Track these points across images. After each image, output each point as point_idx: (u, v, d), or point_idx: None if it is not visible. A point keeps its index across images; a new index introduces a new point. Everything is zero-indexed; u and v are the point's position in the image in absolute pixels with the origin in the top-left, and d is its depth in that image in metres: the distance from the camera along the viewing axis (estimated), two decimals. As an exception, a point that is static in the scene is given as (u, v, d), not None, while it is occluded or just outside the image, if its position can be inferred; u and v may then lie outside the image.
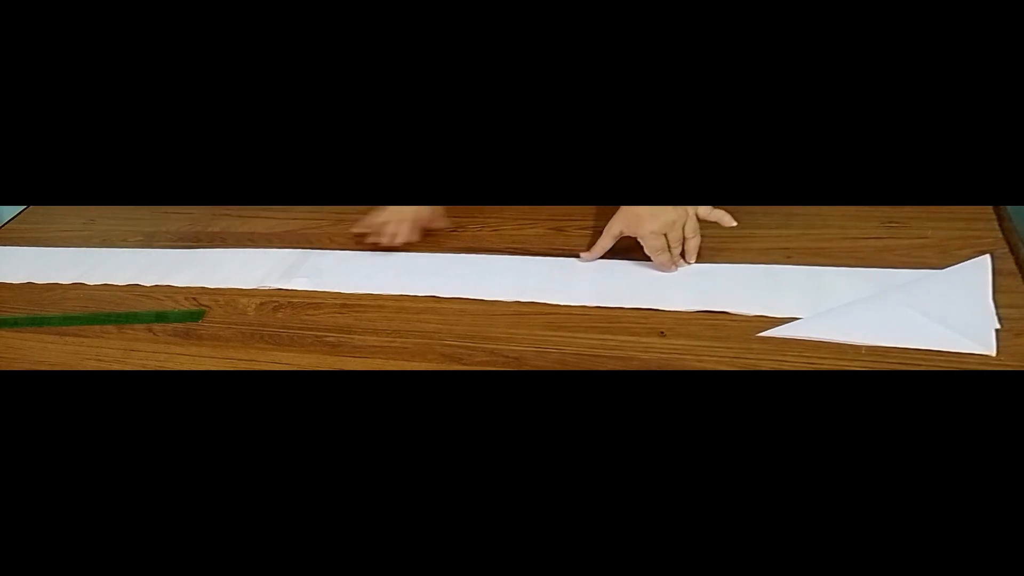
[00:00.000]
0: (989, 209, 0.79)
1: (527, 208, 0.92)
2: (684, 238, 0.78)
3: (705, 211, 0.79)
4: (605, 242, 0.81)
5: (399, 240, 0.88)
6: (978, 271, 0.71)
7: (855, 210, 0.82)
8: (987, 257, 0.72)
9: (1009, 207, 0.79)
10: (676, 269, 0.78)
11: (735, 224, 0.79)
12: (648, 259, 0.79)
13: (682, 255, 0.79)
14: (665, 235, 0.77)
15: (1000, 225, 0.77)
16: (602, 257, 0.83)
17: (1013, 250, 0.74)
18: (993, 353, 0.63)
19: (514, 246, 0.88)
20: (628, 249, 0.83)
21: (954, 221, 0.78)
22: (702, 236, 0.79)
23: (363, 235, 0.91)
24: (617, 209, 0.81)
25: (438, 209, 0.90)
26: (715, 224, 0.84)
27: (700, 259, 0.80)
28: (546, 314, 0.76)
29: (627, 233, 0.79)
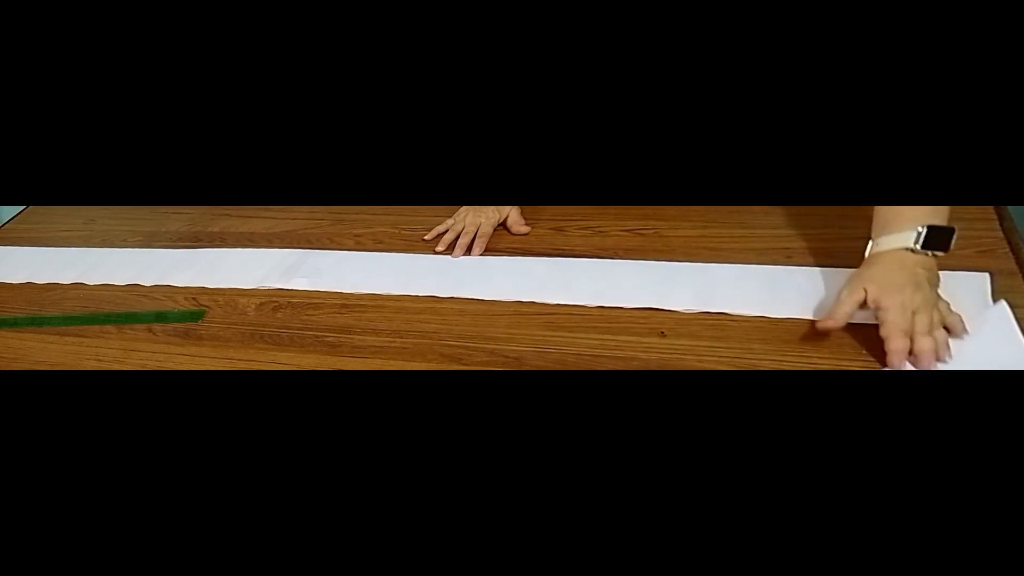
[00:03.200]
0: (990, 209, 0.79)
1: (527, 208, 0.92)
2: (931, 326, 0.62)
3: (945, 308, 0.65)
4: (848, 308, 0.65)
5: (480, 238, 0.88)
6: (977, 281, 0.70)
7: (856, 210, 0.81)
8: (1004, 304, 0.66)
9: (1010, 207, 0.79)
10: (904, 366, 0.61)
11: (968, 333, 0.64)
12: (648, 260, 0.79)
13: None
14: (914, 314, 0.62)
15: (1001, 225, 0.77)
16: (602, 257, 0.83)
17: (1014, 250, 0.74)
18: None
19: (514, 246, 0.88)
20: (630, 250, 0.83)
21: (954, 221, 0.77)
22: (704, 235, 0.79)
23: (435, 240, 0.91)
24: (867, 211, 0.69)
25: (515, 211, 0.90)
26: (715, 223, 0.85)
27: (701, 259, 0.80)
28: (546, 314, 0.76)
29: (871, 302, 0.64)
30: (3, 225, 1.11)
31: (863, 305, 0.65)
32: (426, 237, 0.92)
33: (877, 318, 0.64)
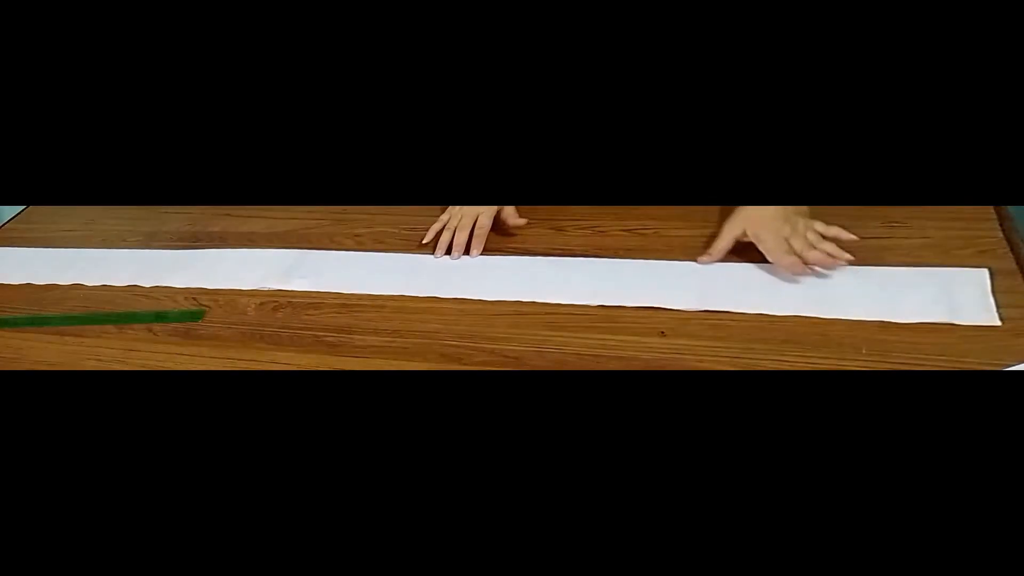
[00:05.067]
0: (990, 209, 0.79)
1: (527, 208, 0.92)
2: (808, 244, 0.74)
3: (822, 227, 0.76)
4: (725, 243, 0.78)
5: (477, 237, 0.87)
6: (976, 277, 0.72)
7: (856, 210, 0.81)
8: (984, 271, 0.72)
9: (1010, 207, 0.79)
10: (805, 273, 0.73)
11: (855, 238, 0.75)
12: (648, 260, 0.79)
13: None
14: (787, 240, 0.74)
15: (1001, 225, 0.77)
16: (602, 257, 0.83)
17: (1014, 250, 0.74)
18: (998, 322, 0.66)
19: (514, 246, 0.87)
20: (630, 249, 0.83)
21: (955, 221, 0.78)
22: (704, 235, 0.79)
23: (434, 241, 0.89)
24: (731, 210, 0.79)
25: (508, 208, 0.89)
26: (715, 223, 0.85)
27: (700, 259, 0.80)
28: (546, 314, 0.76)
29: (748, 236, 0.76)
30: (3, 225, 1.11)
31: (741, 238, 0.76)
32: (423, 241, 0.90)
33: (761, 250, 0.75)
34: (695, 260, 0.79)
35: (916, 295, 0.70)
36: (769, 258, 0.75)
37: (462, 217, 0.88)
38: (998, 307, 0.67)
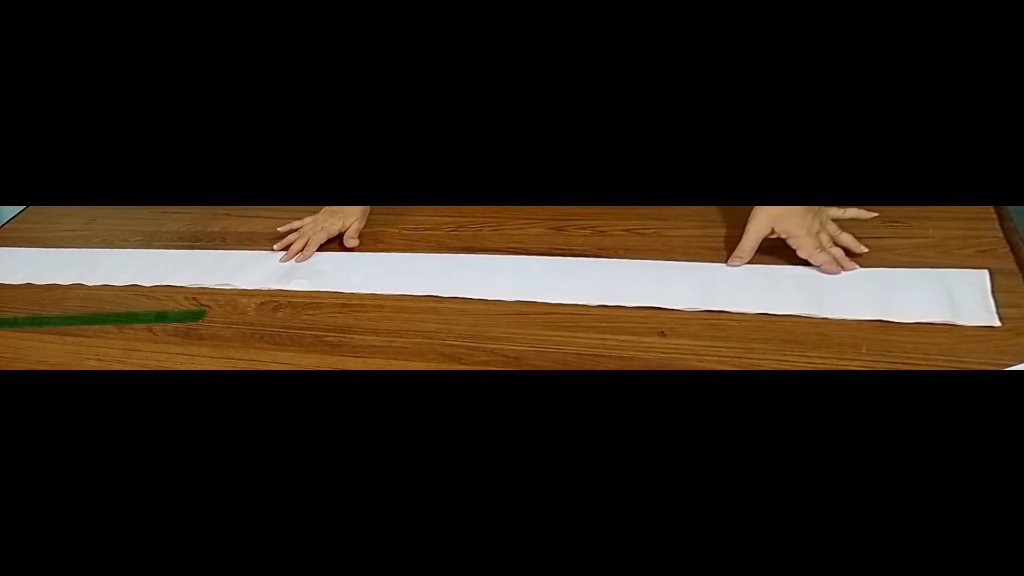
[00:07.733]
0: (990, 209, 0.79)
1: (527, 208, 0.92)
2: (830, 242, 0.75)
3: (838, 212, 0.77)
4: (752, 243, 0.76)
5: (311, 247, 0.92)
6: (976, 277, 0.72)
7: (856, 210, 0.82)
8: (985, 272, 0.72)
9: (1010, 207, 0.79)
10: (840, 271, 0.73)
11: (875, 215, 0.77)
12: (648, 260, 0.79)
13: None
14: (818, 235, 0.74)
15: (1001, 225, 0.77)
16: (602, 257, 0.83)
17: (1014, 250, 0.74)
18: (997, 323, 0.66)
19: (514, 246, 0.88)
20: (630, 249, 0.83)
21: (955, 221, 0.78)
22: (704, 235, 0.80)
23: (283, 235, 0.95)
24: (752, 209, 0.77)
25: (355, 224, 0.93)
26: (715, 223, 0.85)
27: (701, 258, 0.80)
28: (546, 314, 0.76)
29: (781, 232, 0.75)
30: (3, 225, 1.11)
31: (769, 236, 0.76)
32: (280, 228, 0.95)
33: (789, 244, 0.75)
34: (697, 260, 0.79)
35: (916, 295, 0.70)
36: (801, 254, 0.74)
37: (304, 229, 0.93)
38: (998, 307, 0.67)
